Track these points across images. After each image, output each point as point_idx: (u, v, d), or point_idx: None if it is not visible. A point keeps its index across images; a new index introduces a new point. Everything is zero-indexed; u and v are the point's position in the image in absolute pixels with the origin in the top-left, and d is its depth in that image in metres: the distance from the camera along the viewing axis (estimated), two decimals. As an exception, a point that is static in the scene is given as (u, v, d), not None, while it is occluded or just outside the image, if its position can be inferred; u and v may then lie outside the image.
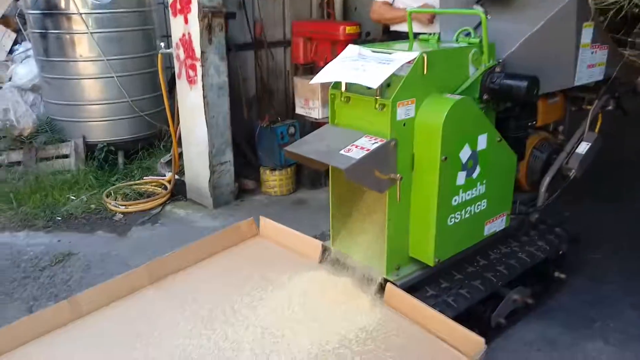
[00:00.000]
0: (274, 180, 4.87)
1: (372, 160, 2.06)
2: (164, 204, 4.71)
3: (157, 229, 4.28)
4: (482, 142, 2.36)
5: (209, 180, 4.55)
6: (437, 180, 2.21)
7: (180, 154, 4.91)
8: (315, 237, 2.97)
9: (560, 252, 2.73)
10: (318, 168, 2.67)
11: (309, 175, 5.11)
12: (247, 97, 5.34)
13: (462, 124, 2.24)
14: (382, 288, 2.33)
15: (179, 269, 2.45)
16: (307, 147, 2.24)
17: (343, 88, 2.28)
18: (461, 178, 2.35)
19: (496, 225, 2.71)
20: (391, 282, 2.28)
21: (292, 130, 4.90)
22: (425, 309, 2.13)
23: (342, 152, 2.10)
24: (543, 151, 2.65)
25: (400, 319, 2.20)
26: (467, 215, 2.44)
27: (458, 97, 2.20)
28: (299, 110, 4.91)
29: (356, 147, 2.09)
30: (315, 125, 4.89)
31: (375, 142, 2.10)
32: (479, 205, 2.50)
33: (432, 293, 2.36)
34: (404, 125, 2.19)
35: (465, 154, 2.30)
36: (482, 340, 1.90)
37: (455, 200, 2.35)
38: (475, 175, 2.42)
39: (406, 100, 2.16)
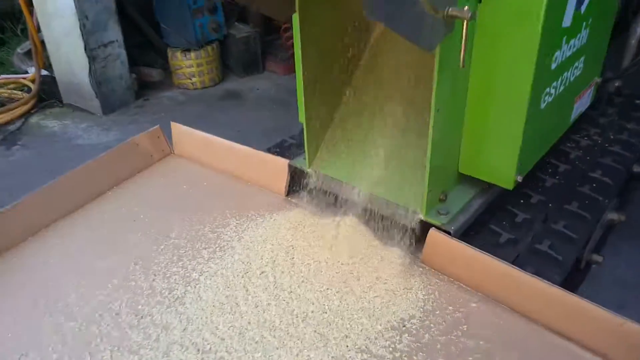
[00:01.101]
0: (189, 66, 3.43)
1: None
2: (26, 115, 3.18)
3: (15, 155, 2.80)
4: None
5: (89, 73, 3.03)
6: (541, 17, 0.99)
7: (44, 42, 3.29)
8: (273, 152, 1.75)
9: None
10: (274, 14, 1.30)
11: (240, 57, 3.68)
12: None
13: None
14: (416, 237, 1.34)
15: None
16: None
17: None
18: (569, 14, 1.16)
19: (583, 102, 1.64)
20: (437, 226, 1.26)
21: (208, -13, 3.37)
22: (511, 271, 1.14)
23: None
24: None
25: (464, 296, 1.23)
26: (561, 88, 1.34)
27: None
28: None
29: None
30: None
31: None
32: (575, 68, 1.38)
33: (509, 237, 1.26)
34: None
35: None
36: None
37: (556, 59, 1.18)
38: (583, 7, 1.23)
39: None
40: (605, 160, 1.66)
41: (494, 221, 1.38)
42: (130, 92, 3.31)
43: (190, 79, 3.46)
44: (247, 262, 1.37)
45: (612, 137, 1.82)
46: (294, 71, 4.06)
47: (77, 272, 1.40)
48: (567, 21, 1.23)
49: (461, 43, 1.02)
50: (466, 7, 0.97)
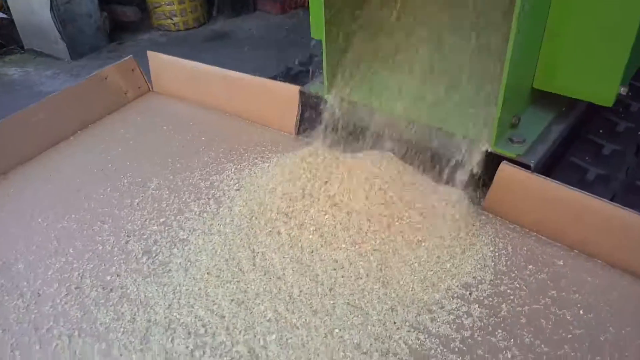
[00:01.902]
0: (169, 3, 3.02)
1: None
2: (-20, 62, 2.79)
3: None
4: None
5: (51, 10, 2.62)
6: None
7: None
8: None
9: None
10: None
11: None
12: None
13: None
14: (477, 177, 1.02)
15: None
16: None
17: None
18: None
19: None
20: (510, 159, 0.95)
21: None
22: (617, 212, 0.88)
23: None
24: None
25: (547, 250, 0.96)
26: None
27: None
28: None
29: None
30: None
31: None
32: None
33: (598, 172, 0.95)
34: None
35: None
36: None
37: None
38: None
39: None
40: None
41: (576, 154, 1.07)
42: (102, 34, 2.92)
43: (172, 19, 3.06)
44: (252, 216, 1.06)
45: None
46: (290, 9, 3.68)
47: (27, 234, 1.09)
48: None
49: None
50: None
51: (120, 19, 3.05)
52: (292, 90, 1.27)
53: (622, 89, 0.94)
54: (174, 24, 3.08)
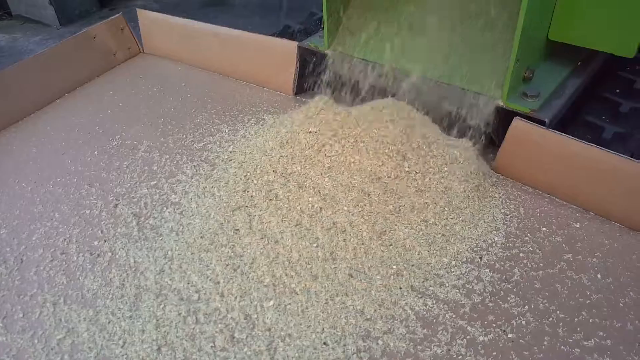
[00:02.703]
0: (162, -34, 2.88)
1: None
2: (-35, 29, 2.68)
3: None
4: None
5: (38, -28, 2.51)
6: None
7: None
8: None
9: None
10: None
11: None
12: None
13: None
14: (489, 134, 0.98)
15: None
16: None
17: None
18: None
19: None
20: (524, 115, 0.89)
21: None
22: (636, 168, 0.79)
23: None
24: None
25: (561, 212, 0.91)
26: None
27: None
28: None
29: None
30: None
31: None
32: None
33: (616, 130, 0.90)
34: None
35: None
36: None
37: None
38: None
39: None
40: None
41: (592, 112, 1.00)
42: (93, 0, 2.80)
43: (164, -16, 2.94)
44: (247, 177, 0.99)
45: None
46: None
47: (10, 198, 1.03)
48: None
49: None
50: None
51: (111, -17, 2.94)
52: (289, 47, 1.19)
53: (645, 40, 0.87)
54: (167, -11, 2.96)
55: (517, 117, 0.88)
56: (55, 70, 1.41)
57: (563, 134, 0.85)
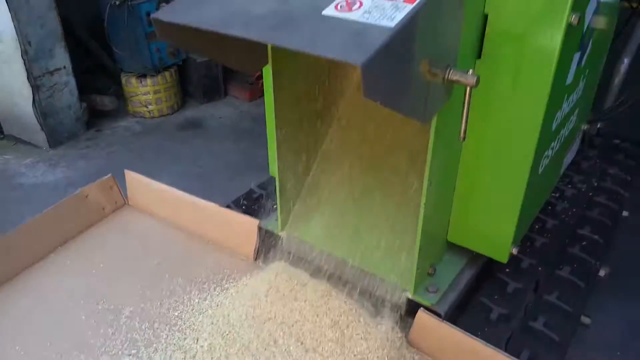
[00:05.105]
0: (145, 93, 3.22)
1: (426, 32, 0.69)
2: (-41, 149, 2.90)
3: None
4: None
5: (33, 104, 2.79)
6: (551, 73, 0.90)
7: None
8: (241, 204, 1.59)
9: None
10: (242, 68, 1.14)
11: (200, 82, 3.49)
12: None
13: None
14: (405, 314, 1.22)
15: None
16: (213, 8, 0.77)
17: None
18: (573, 67, 1.07)
19: (572, 152, 1.55)
20: (427, 307, 1.16)
21: (164, 10, 3.16)
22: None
23: (328, 11, 0.65)
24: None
25: None
26: (557, 147, 1.23)
27: None
28: (171, -23, 3.14)
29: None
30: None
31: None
32: (570, 122, 1.30)
33: (500, 312, 1.17)
34: None
35: (592, 5, 1.00)
36: None
37: (557, 119, 1.10)
38: (584, 59, 1.16)
39: None
40: (592, 214, 1.60)
41: (484, 292, 1.27)
42: (80, 123, 3.07)
43: (147, 107, 3.25)
44: (214, 349, 1.20)
45: (595, 184, 1.76)
46: (259, 97, 3.91)
47: (9, 368, 1.20)
48: (569, 78, 1.13)
49: (462, 112, 0.90)
50: (470, 71, 0.85)
51: (98, 108, 3.23)
52: (251, 224, 1.46)
53: (514, 249, 1.16)
54: (149, 112, 3.27)
55: (422, 308, 1.14)
56: (51, 229, 1.62)
57: (452, 325, 1.10)
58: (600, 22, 1.24)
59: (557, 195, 1.68)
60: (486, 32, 0.97)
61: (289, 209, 1.38)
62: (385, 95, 0.70)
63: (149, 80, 3.21)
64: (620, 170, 1.83)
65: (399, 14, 0.69)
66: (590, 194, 1.71)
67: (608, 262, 1.55)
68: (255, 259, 1.49)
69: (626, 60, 1.84)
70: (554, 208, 1.61)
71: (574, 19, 0.89)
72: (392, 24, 0.67)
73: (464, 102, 0.89)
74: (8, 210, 2.43)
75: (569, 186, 1.74)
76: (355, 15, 0.71)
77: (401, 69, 0.72)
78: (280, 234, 1.39)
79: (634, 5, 2.00)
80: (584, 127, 1.61)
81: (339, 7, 0.73)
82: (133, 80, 3.21)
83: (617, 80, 1.88)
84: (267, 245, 1.45)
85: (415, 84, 0.79)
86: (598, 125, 1.95)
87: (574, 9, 0.89)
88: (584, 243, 1.47)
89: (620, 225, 1.75)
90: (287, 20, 0.71)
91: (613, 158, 1.92)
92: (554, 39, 0.91)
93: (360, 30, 0.67)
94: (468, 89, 0.87)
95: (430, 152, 0.97)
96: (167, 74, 3.30)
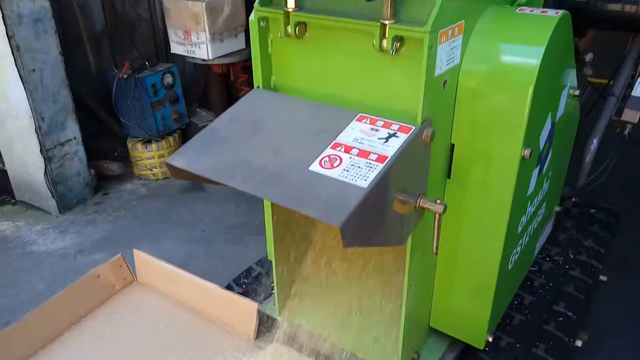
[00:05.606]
0: (150, 157, 3.39)
1: (396, 179, 0.85)
2: (-28, 216, 3.04)
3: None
4: (563, 98, 1.22)
5: (45, 173, 2.95)
6: (510, 196, 1.04)
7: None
8: (241, 283, 1.73)
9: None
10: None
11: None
12: (90, 34, 3.63)
13: (557, 69, 1.09)
14: None
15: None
16: (218, 157, 0.93)
17: (290, 4, 0.94)
18: (533, 179, 1.22)
19: (545, 234, 1.70)
20: None
21: (168, 79, 3.40)
22: None
23: (314, 167, 0.82)
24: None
25: None
26: (526, 241, 1.37)
27: (552, 12, 1.03)
28: (176, 49, 3.39)
29: (344, 149, 0.84)
30: (202, 69, 3.44)
31: (392, 133, 0.86)
32: (539, 215, 1.44)
33: None
34: (445, 85, 0.95)
35: (545, 132, 1.16)
36: None
37: (522, 222, 1.24)
38: (545, 167, 1.31)
39: (451, 25, 0.91)
40: (568, 289, 1.72)
41: None
42: (89, 188, 3.23)
43: (152, 170, 3.42)
44: None
45: (572, 256, 1.88)
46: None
47: None
48: (531, 188, 1.28)
49: (433, 232, 1.04)
50: (438, 201, 0.99)
51: (106, 173, 3.39)
52: (251, 307, 1.58)
53: (489, 337, 1.29)
54: (153, 174, 3.43)
55: (407, 394, 1.25)
56: (65, 309, 1.74)
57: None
58: (561, 125, 1.40)
59: (535, 269, 1.80)
60: (453, 158, 1.12)
61: (286, 295, 1.51)
62: (363, 240, 0.85)
63: (153, 145, 3.39)
64: (595, 242, 1.96)
65: (372, 173, 0.83)
66: (567, 266, 1.83)
67: (585, 329, 1.65)
68: (256, 338, 1.60)
69: (595, 141, 1.99)
70: (532, 283, 1.73)
71: (526, 153, 1.04)
72: (365, 184, 0.82)
73: (434, 225, 1.03)
74: (19, 278, 2.57)
75: (547, 259, 1.86)
76: (335, 172, 0.86)
77: (376, 215, 0.87)
78: (277, 318, 1.51)
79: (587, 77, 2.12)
80: (557, 209, 1.75)
81: (322, 162, 0.88)
82: (139, 145, 3.38)
83: (588, 158, 2.02)
84: (267, 326, 1.57)
85: (390, 220, 0.93)
86: (573, 200, 2.09)
87: (525, 145, 1.05)
88: (560, 319, 1.59)
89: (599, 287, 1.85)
90: (278, 175, 0.86)
91: (589, 230, 2.04)
92: (511, 168, 1.07)
93: (338, 189, 0.82)
94: (437, 215, 1.01)
95: (407, 261, 1.11)
96: (170, 138, 3.48)
